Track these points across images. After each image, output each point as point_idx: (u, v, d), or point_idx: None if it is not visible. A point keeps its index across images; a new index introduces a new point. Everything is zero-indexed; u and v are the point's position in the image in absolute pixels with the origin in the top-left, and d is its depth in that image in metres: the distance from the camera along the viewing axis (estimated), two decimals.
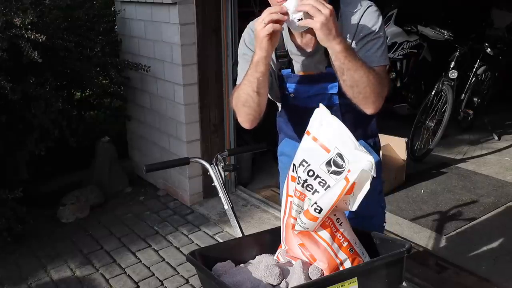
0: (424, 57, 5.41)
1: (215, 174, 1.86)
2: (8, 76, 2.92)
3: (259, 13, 1.51)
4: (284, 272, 1.36)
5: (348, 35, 1.62)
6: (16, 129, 3.39)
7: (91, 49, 3.72)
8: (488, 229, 3.30)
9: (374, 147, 1.87)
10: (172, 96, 3.68)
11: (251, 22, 1.75)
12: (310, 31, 1.58)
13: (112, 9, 4.14)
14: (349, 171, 1.29)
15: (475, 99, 5.07)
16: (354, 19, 1.61)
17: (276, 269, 1.34)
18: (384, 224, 1.98)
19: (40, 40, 2.90)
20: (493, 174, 4.16)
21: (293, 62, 1.71)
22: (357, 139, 1.84)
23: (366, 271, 1.32)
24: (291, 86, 1.73)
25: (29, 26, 2.91)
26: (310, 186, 1.36)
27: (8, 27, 2.88)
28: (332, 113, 1.70)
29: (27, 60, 2.99)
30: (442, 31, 4.75)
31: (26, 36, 2.88)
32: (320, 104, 1.43)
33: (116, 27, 4.17)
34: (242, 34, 1.79)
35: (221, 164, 1.89)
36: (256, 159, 4.28)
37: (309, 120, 1.51)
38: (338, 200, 1.28)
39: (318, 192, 1.35)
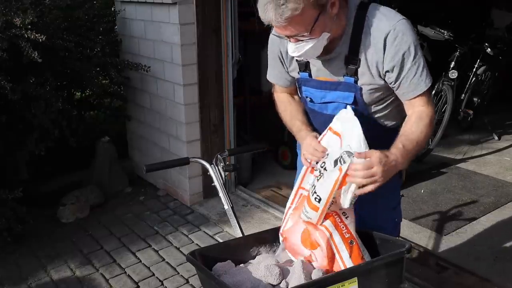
0: (424, 57, 5.40)
1: (215, 174, 1.87)
2: (8, 76, 2.92)
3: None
4: (284, 272, 1.36)
5: (374, 57, 1.54)
6: (16, 129, 3.39)
7: (91, 49, 3.71)
8: (488, 229, 3.30)
9: None
10: (172, 96, 3.68)
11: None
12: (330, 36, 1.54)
13: (112, 9, 4.13)
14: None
15: (475, 99, 5.07)
16: (380, 38, 1.52)
17: (276, 269, 1.34)
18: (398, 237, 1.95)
19: (40, 40, 2.89)
20: (493, 174, 4.16)
21: (311, 65, 1.68)
22: None
23: (366, 271, 1.32)
24: (307, 90, 1.72)
25: (29, 26, 2.91)
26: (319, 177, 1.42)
27: (8, 27, 2.88)
28: None
29: (27, 60, 2.99)
30: (442, 31, 4.74)
31: (26, 36, 2.88)
32: (348, 106, 1.48)
33: (116, 27, 4.17)
34: (272, 39, 1.75)
35: (221, 164, 1.89)
36: (256, 159, 4.28)
37: (324, 124, 1.55)
38: (334, 189, 1.28)
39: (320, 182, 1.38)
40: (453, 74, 4.46)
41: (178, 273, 2.95)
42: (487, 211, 3.52)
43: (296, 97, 1.87)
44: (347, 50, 1.58)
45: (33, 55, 2.90)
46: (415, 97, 1.58)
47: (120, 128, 4.56)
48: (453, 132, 4.98)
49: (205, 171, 1.92)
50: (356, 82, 1.60)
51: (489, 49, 4.86)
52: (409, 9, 5.11)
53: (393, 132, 1.66)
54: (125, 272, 2.99)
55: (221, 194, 1.86)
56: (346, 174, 1.29)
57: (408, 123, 1.58)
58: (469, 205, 3.63)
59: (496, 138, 5.00)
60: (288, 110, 1.83)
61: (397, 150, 1.46)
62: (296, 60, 1.69)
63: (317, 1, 1.40)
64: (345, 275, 1.28)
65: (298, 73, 1.72)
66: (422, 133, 1.54)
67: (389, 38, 1.51)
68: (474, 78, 4.91)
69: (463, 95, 4.87)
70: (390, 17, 1.53)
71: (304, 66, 1.68)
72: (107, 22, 4.11)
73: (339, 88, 1.64)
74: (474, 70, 4.90)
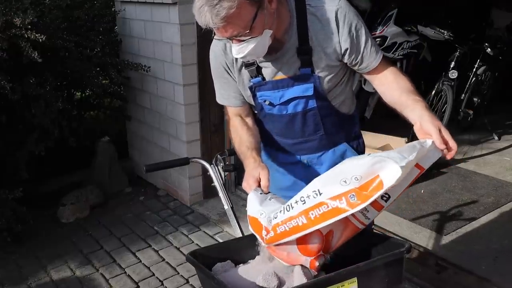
0: (424, 57, 5.40)
1: (215, 174, 1.86)
2: (8, 76, 2.92)
3: None
4: (283, 277, 1.36)
5: (329, 39, 1.53)
6: (16, 129, 3.39)
7: (91, 49, 3.72)
8: (488, 229, 3.30)
9: (357, 149, 1.82)
10: (172, 96, 3.68)
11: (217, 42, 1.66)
12: (276, 32, 1.50)
13: (112, 9, 4.14)
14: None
15: (475, 99, 5.07)
16: (331, 19, 1.51)
17: (274, 276, 1.33)
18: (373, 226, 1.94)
19: (40, 40, 2.90)
20: (493, 174, 4.16)
21: (263, 69, 1.61)
22: (340, 142, 1.83)
23: (366, 271, 1.32)
24: (264, 94, 1.64)
25: (29, 26, 2.91)
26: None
27: (8, 27, 2.88)
28: (310, 117, 1.67)
29: (27, 60, 2.99)
30: (442, 31, 4.74)
31: (26, 36, 2.88)
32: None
33: (116, 27, 4.17)
34: (215, 54, 1.67)
35: (221, 164, 1.89)
36: None
37: (286, 126, 1.56)
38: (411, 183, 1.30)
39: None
40: (453, 74, 4.46)
41: (178, 273, 2.95)
42: (487, 211, 3.52)
43: (248, 120, 1.76)
44: (297, 42, 1.55)
45: (33, 55, 2.90)
46: (378, 64, 1.60)
47: (120, 128, 4.56)
48: (453, 132, 4.85)
49: (205, 171, 1.91)
50: (313, 71, 1.57)
51: (489, 49, 4.86)
52: (409, 9, 5.16)
53: (349, 119, 1.77)
54: (125, 272, 2.99)
55: (221, 194, 1.86)
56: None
57: (394, 86, 1.60)
58: (469, 205, 3.63)
59: (496, 138, 5.00)
60: (238, 135, 1.72)
61: (425, 108, 1.53)
62: (245, 67, 1.61)
63: None
64: (345, 275, 1.28)
65: (250, 80, 1.64)
66: (408, 82, 1.59)
67: (339, 16, 1.52)
68: (474, 78, 4.91)
69: (463, 95, 4.87)
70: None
71: (256, 72, 1.61)
72: (107, 22, 4.11)
73: (297, 82, 1.59)
74: (474, 70, 4.90)
